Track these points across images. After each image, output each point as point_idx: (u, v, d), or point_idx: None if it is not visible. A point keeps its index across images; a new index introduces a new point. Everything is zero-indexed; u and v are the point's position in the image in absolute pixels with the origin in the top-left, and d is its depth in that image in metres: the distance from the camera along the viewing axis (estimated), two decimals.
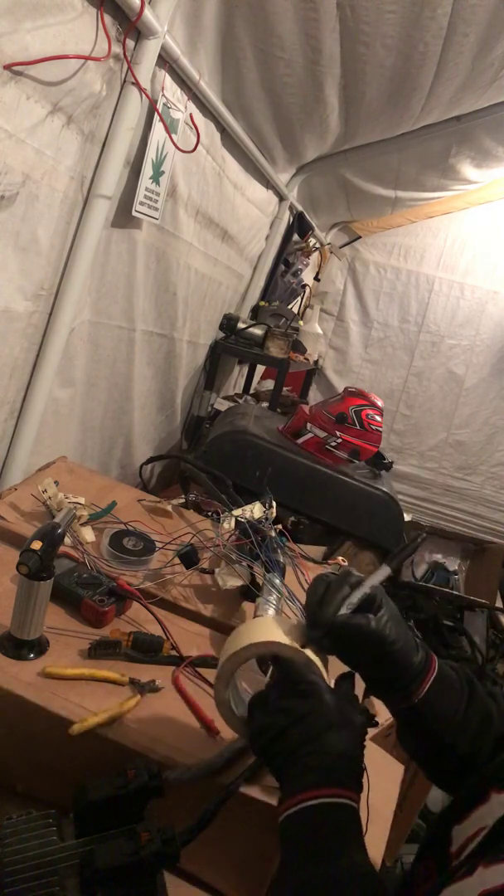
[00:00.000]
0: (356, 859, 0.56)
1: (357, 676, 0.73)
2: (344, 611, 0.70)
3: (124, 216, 1.58)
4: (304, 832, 0.58)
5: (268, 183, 2.57)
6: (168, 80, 1.54)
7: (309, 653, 0.69)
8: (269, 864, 0.82)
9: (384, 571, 0.74)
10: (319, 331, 3.83)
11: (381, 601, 0.72)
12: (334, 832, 0.57)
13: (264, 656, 0.70)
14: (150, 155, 1.55)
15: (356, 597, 0.71)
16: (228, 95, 1.88)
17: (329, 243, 3.88)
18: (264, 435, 2.22)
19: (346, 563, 1.57)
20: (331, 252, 3.92)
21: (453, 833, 0.59)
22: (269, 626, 0.73)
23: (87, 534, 1.25)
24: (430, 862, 0.62)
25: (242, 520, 1.32)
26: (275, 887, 0.56)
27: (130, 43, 1.34)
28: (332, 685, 0.70)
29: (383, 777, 1.12)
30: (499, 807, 0.56)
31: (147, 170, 1.56)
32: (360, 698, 0.68)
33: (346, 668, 0.73)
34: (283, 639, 0.69)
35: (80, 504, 1.31)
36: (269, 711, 0.66)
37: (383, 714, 1.40)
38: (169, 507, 1.49)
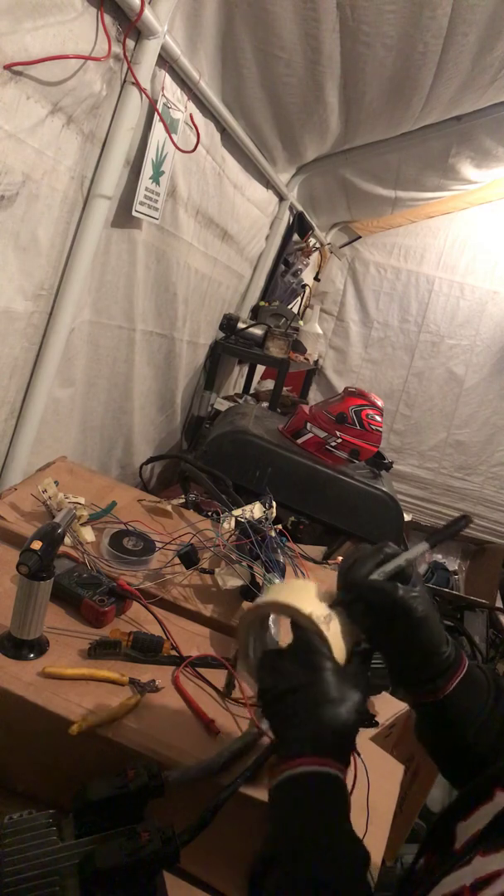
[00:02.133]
0: (344, 827, 0.57)
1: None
2: (376, 577, 0.70)
3: (124, 216, 1.58)
4: (289, 800, 0.59)
5: (268, 183, 2.57)
6: (168, 80, 1.54)
7: (334, 623, 0.69)
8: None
9: (422, 547, 0.73)
10: (319, 331, 3.83)
11: (414, 578, 0.71)
12: (318, 800, 0.58)
13: (288, 616, 0.70)
14: (150, 155, 1.55)
15: (390, 566, 0.71)
16: (228, 95, 1.88)
17: (329, 243, 3.88)
18: (264, 435, 2.22)
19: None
20: (331, 252, 3.92)
21: (457, 830, 0.60)
22: (302, 589, 0.73)
23: (87, 534, 1.25)
24: (432, 857, 0.62)
25: (242, 520, 1.32)
26: (260, 856, 0.56)
27: (130, 43, 1.34)
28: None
29: (383, 777, 1.12)
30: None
31: (147, 170, 1.56)
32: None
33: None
34: (306, 605, 0.69)
35: (80, 504, 1.31)
36: (273, 672, 0.67)
37: (383, 714, 1.40)
38: (169, 507, 1.49)
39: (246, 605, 0.76)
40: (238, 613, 1.19)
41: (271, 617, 0.75)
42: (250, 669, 0.75)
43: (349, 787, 0.86)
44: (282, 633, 0.78)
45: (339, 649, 0.67)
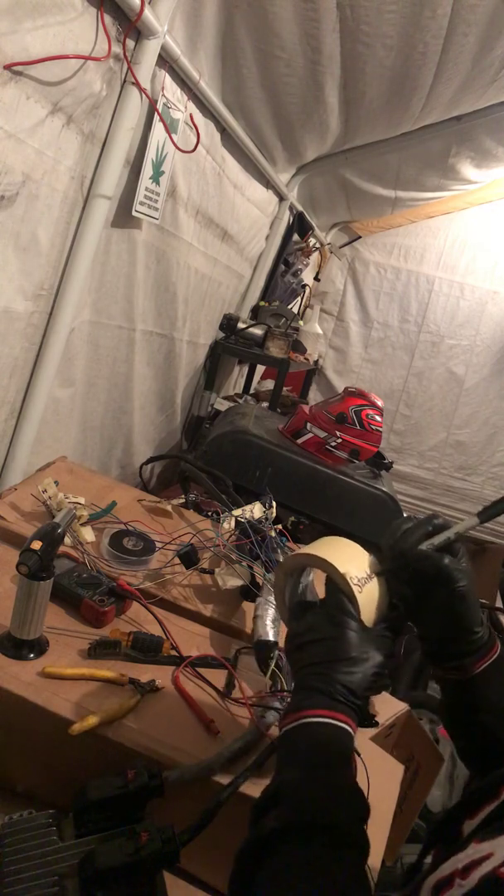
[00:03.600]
0: (348, 777, 0.58)
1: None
2: (424, 547, 0.70)
3: (124, 216, 1.58)
4: (298, 744, 0.60)
5: (268, 183, 2.57)
6: (168, 80, 1.54)
7: (368, 587, 0.69)
8: None
9: (472, 521, 0.73)
10: (319, 331, 3.83)
11: (462, 552, 0.72)
12: (328, 747, 0.59)
13: (325, 572, 0.71)
14: (150, 155, 1.55)
15: (439, 538, 0.71)
16: (228, 95, 1.88)
17: (329, 243, 3.88)
18: (264, 435, 2.22)
19: None
20: (331, 252, 3.92)
21: (464, 828, 0.60)
22: (346, 548, 0.74)
23: (87, 534, 1.25)
24: (438, 853, 0.62)
25: (242, 520, 1.32)
26: (265, 793, 0.57)
27: (130, 43, 1.34)
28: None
29: (383, 777, 1.12)
30: None
31: (147, 170, 1.56)
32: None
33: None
34: (343, 564, 0.70)
35: (80, 504, 1.31)
36: (301, 620, 0.69)
37: (383, 714, 1.40)
38: (169, 507, 1.49)
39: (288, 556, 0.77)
40: (236, 616, 1.19)
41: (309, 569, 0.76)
42: (284, 614, 0.77)
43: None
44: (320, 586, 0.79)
45: (368, 613, 0.68)
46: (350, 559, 0.71)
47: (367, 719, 0.69)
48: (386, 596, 0.71)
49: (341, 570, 0.69)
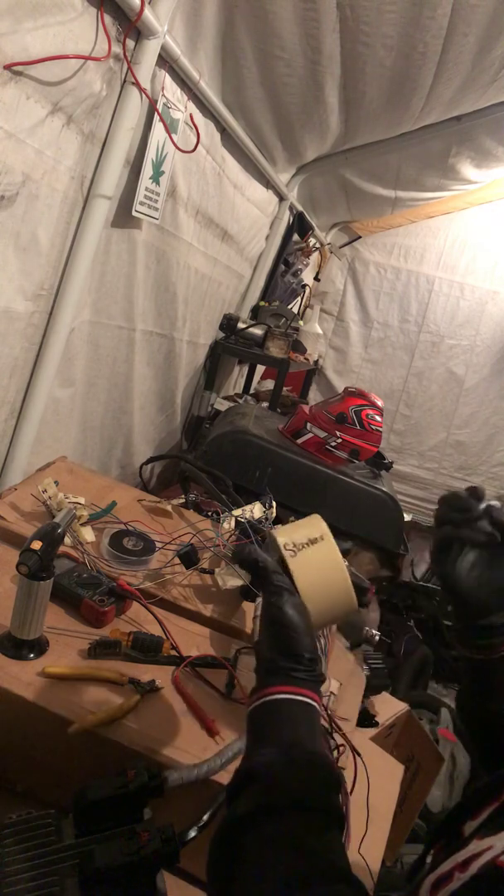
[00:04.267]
0: (318, 747, 0.59)
1: None
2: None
3: (124, 216, 1.58)
4: (268, 722, 0.60)
5: (268, 183, 2.57)
6: (168, 80, 1.54)
7: (309, 551, 0.72)
8: None
9: None
10: (319, 331, 3.83)
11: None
12: (295, 724, 0.60)
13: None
14: (150, 155, 1.55)
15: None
16: (228, 95, 1.88)
17: (329, 243, 3.88)
18: (264, 435, 2.22)
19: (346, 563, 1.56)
20: (331, 252, 3.92)
21: (465, 829, 0.60)
22: (303, 523, 0.76)
23: (87, 534, 1.25)
24: (439, 854, 0.62)
25: (242, 520, 1.32)
26: (237, 774, 0.57)
27: (130, 43, 1.34)
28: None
29: (383, 777, 1.12)
30: None
31: (147, 170, 1.56)
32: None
33: None
34: (282, 536, 0.72)
35: (80, 504, 1.31)
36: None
37: (383, 714, 1.40)
38: (169, 507, 1.49)
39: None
40: (236, 616, 1.19)
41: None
42: None
43: (349, 786, 0.86)
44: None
45: (305, 576, 0.70)
46: (291, 530, 0.74)
47: (367, 719, 0.69)
48: (339, 557, 0.73)
49: (280, 539, 0.72)
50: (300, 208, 3.01)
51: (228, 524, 1.32)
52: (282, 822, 0.52)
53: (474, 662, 0.74)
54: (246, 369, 3.50)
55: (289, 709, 0.60)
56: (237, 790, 0.56)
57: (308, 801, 0.53)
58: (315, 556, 0.72)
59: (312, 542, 0.72)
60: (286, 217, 2.92)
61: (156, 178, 1.63)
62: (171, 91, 1.59)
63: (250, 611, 1.18)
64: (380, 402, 2.28)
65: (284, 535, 0.73)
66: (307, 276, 3.73)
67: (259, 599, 1.11)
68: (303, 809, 0.52)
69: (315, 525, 0.75)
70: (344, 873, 0.49)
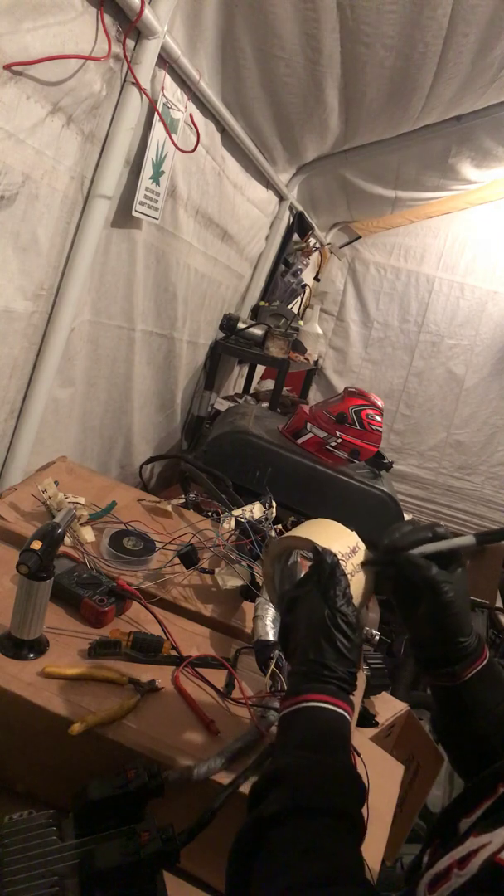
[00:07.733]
0: (348, 759, 0.59)
1: None
2: (415, 552, 0.71)
3: (124, 216, 1.58)
4: (301, 728, 0.61)
5: (268, 183, 2.57)
6: (168, 80, 1.54)
7: (353, 561, 0.70)
8: None
9: (468, 539, 0.73)
10: (319, 331, 3.84)
11: (455, 565, 0.72)
12: (328, 732, 0.60)
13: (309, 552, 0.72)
14: (150, 155, 1.55)
15: (431, 547, 0.72)
16: (228, 95, 1.88)
17: (329, 243, 3.88)
18: (264, 435, 2.22)
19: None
20: (331, 252, 3.92)
21: (461, 826, 0.60)
22: (330, 528, 0.75)
23: (87, 534, 1.25)
24: (435, 852, 0.62)
25: (242, 520, 1.32)
26: (264, 776, 0.58)
27: (130, 43, 1.34)
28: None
29: (383, 777, 1.12)
30: None
31: (147, 170, 1.56)
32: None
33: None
34: (329, 544, 0.70)
35: (80, 504, 1.31)
36: (291, 611, 0.69)
37: (383, 714, 1.40)
38: (169, 507, 1.48)
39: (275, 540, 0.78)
40: (236, 616, 1.19)
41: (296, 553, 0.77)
42: (274, 600, 0.78)
43: None
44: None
45: (356, 589, 0.69)
46: (333, 537, 0.72)
47: (367, 719, 0.69)
48: (369, 588, 0.72)
49: (332, 547, 0.70)
50: (300, 208, 3.01)
51: (228, 524, 1.32)
52: (310, 824, 0.53)
53: (443, 690, 0.75)
54: (246, 369, 3.50)
55: (326, 720, 0.60)
56: (265, 789, 0.56)
57: (336, 811, 0.54)
58: (357, 569, 0.71)
59: (353, 552, 0.71)
60: (286, 217, 2.92)
61: (156, 178, 1.63)
62: (171, 91, 1.59)
63: (250, 611, 1.18)
64: (380, 402, 2.28)
65: (334, 544, 0.70)
66: (307, 276, 3.73)
67: (259, 599, 1.11)
68: (331, 815, 0.53)
69: (348, 534, 0.74)
70: (361, 879, 0.51)
